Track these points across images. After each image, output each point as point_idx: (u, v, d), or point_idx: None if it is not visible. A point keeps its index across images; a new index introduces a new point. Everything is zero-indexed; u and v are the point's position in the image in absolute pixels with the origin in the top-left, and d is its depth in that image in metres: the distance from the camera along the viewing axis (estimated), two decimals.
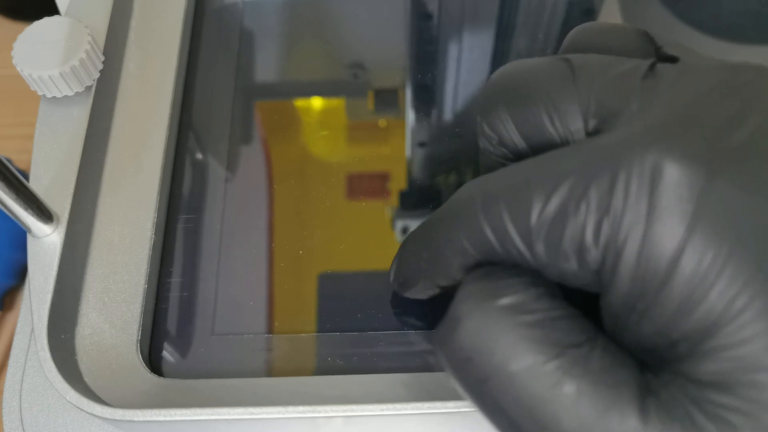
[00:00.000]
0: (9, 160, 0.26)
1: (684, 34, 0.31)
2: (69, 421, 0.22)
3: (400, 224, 0.26)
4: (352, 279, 0.25)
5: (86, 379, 0.22)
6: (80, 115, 0.26)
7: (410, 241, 0.20)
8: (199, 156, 0.28)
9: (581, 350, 0.14)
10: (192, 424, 0.20)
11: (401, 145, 0.28)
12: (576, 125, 0.16)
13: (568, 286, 0.16)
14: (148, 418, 0.20)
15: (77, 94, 0.26)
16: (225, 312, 0.24)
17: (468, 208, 0.16)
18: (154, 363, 0.23)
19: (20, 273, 0.33)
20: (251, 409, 0.20)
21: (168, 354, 0.24)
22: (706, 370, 0.13)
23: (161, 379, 0.23)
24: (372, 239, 0.25)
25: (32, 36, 0.26)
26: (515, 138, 0.18)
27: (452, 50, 0.30)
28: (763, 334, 0.13)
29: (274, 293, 0.24)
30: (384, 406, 0.20)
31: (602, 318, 0.15)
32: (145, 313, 0.24)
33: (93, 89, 0.26)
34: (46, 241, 0.23)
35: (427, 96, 0.29)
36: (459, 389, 0.16)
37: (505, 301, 0.15)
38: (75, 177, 0.24)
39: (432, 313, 0.23)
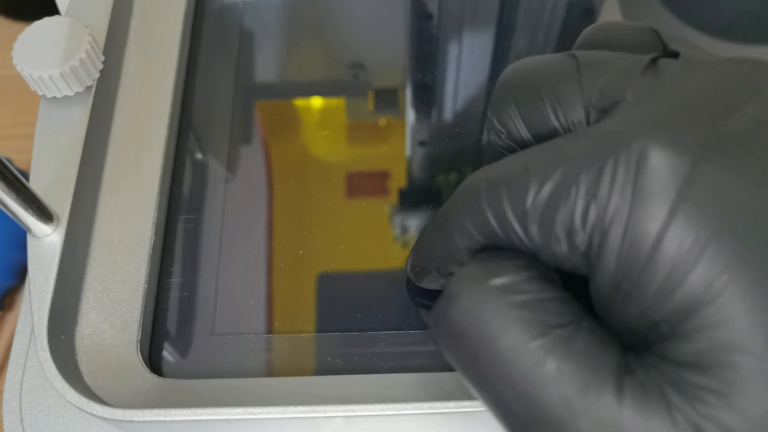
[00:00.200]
0: (9, 160, 0.26)
1: (684, 34, 0.31)
2: (69, 421, 0.22)
3: (399, 224, 0.26)
4: (352, 279, 0.25)
5: (86, 379, 0.22)
6: (80, 115, 0.26)
7: (425, 230, 0.21)
8: (199, 156, 0.28)
9: (566, 331, 0.15)
10: (192, 424, 0.20)
11: (401, 145, 0.28)
12: (578, 117, 0.17)
13: (567, 272, 0.16)
14: (148, 418, 0.20)
15: (77, 94, 0.26)
16: (225, 312, 0.24)
17: (473, 193, 0.17)
18: (154, 363, 0.23)
19: (20, 273, 0.33)
20: (251, 409, 0.20)
21: (168, 354, 0.24)
22: (684, 351, 0.14)
23: (161, 379, 0.23)
24: (372, 239, 0.25)
25: (32, 36, 0.26)
26: (523, 132, 0.18)
27: (452, 50, 0.30)
28: (740, 316, 0.13)
29: (273, 293, 0.24)
30: (384, 406, 0.20)
31: (593, 301, 0.16)
32: (145, 313, 0.24)
33: (93, 89, 0.26)
34: (46, 241, 0.23)
35: (427, 96, 0.29)
36: (451, 363, 0.17)
37: (496, 281, 0.15)
38: (75, 177, 0.24)
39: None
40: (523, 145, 0.19)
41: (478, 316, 0.15)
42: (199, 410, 0.20)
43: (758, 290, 0.13)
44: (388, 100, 0.29)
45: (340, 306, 0.24)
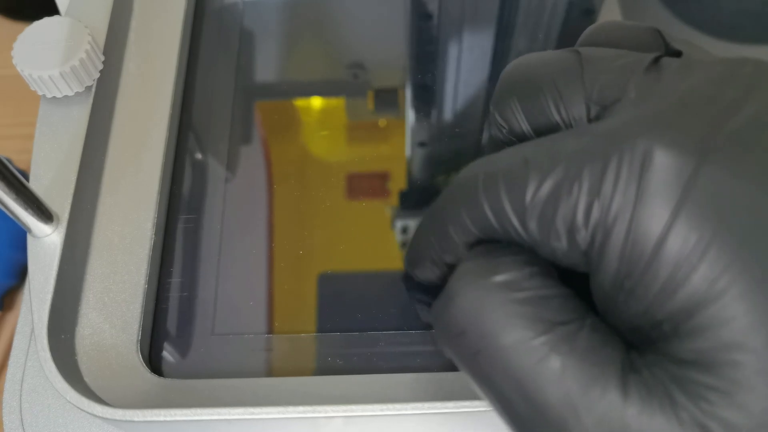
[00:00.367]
0: (9, 160, 0.26)
1: (684, 34, 0.31)
2: (69, 421, 0.22)
3: (399, 224, 0.26)
4: (352, 279, 0.25)
5: (86, 379, 0.22)
6: (80, 115, 0.26)
7: (422, 222, 0.21)
8: (199, 156, 0.28)
9: (569, 328, 0.15)
10: (192, 424, 0.20)
11: (401, 145, 0.28)
12: (579, 112, 0.17)
13: (565, 269, 0.16)
14: (148, 418, 0.20)
15: (77, 94, 0.26)
16: (225, 312, 0.24)
17: (471, 186, 0.17)
18: (154, 363, 0.23)
19: (20, 273, 0.33)
20: (251, 409, 0.20)
21: (168, 354, 0.24)
22: (687, 350, 0.14)
23: (161, 379, 0.23)
24: (372, 239, 0.25)
25: (32, 36, 0.26)
26: (524, 127, 0.18)
27: (452, 50, 0.30)
28: (743, 315, 0.13)
29: (274, 293, 0.24)
30: (384, 406, 0.20)
31: (594, 299, 0.16)
32: (145, 313, 0.24)
33: (93, 89, 0.26)
34: (46, 241, 0.23)
35: (427, 96, 0.29)
36: (453, 361, 0.17)
37: (498, 278, 0.15)
38: (75, 177, 0.24)
39: None
40: (523, 140, 0.19)
41: (480, 314, 0.15)
42: (199, 410, 0.20)
43: (760, 289, 0.13)
44: (388, 100, 0.29)
45: (340, 306, 0.24)
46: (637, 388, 0.14)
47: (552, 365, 0.14)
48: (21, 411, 0.22)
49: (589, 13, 0.31)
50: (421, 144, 0.28)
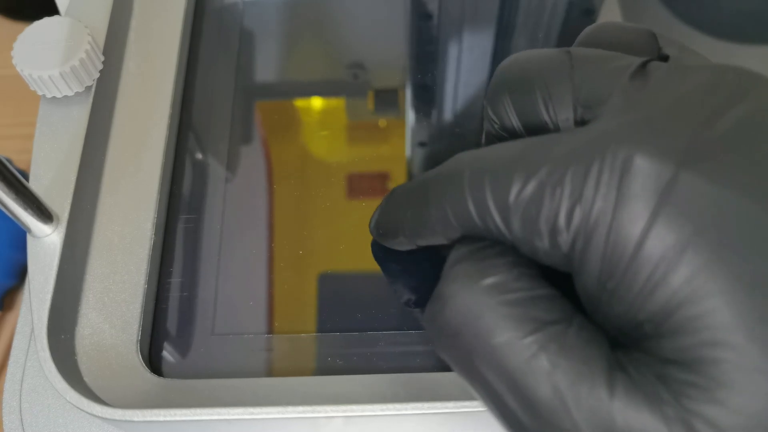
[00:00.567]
0: (9, 160, 0.26)
1: (684, 34, 0.31)
2: (69, 421, 0.22)
3: None
4: (352, 279, 0.25)
5: (86, 379, 0.22)
6: (80, 115, 0.26)
7: (397, 194, 0.21)
8: (199, 156, 0.28)
9: (557, 327, 0.15)
10: (192, 424, 0.20)
11: (401, 145, 0.28)
12: (567, 113, 0.18)
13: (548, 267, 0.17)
14: (148, 418, 0.20)
15: (77, 94, 0.26)
16: (225, 312, 0.24)
17: (456, 179, 0.17)
18: (154, 363, 0.23)
19: (20, 273, 0.33)
20: (251, 409, 0.20)
21: (168, 354, 0.24)
22: (669, 349, 0.14)
23: (161, 379, 0.23)
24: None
25: (32, 36, 0.26)
26: (515, 122, 0.19)
27: (452, 50, 0.30)
28: (720, 313, 0.13)
29: (274, 293, 0.24)
30: (384, 406, 0.20)
31: (581, 299, 0.16)
32: (145, 313, 0.24)
33: (93, 89, 0.26)
34: (46, 241, 0.23)
35: (427, 96, 0.29)
36: (448, 362, 0.17)
37: (488, 281, 0.16)
38: (75, 177, 0.24)
39: None
40: (514, 135, 0.19)
41: (472, 317, 0.16)
42: (199, 410, 0.20)
43: (737, 287, 0.13)
44: (388, 100, 0.29)
45: (340, 306, 0.24)
46: (623, 384, 0.14)
47: (541, 363, 0.15)
48: (21, 411, 0.22)
49: (589, 13, 0.31)
50: (421, 144, 0.28)
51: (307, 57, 0.31)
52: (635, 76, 0.17)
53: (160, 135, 0.27)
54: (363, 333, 0.23)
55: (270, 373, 0.23)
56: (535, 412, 0.15)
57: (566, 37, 0.31)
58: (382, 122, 0.29)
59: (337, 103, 0.30)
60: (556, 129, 0.18)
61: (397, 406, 0.20)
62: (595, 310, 0.16)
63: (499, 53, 0.30)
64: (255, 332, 0.24)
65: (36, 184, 0.25)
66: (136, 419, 0.20)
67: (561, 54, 0.18)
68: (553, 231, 0.15)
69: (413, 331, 0.23)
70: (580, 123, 0.17)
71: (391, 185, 0.27)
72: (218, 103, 0.29)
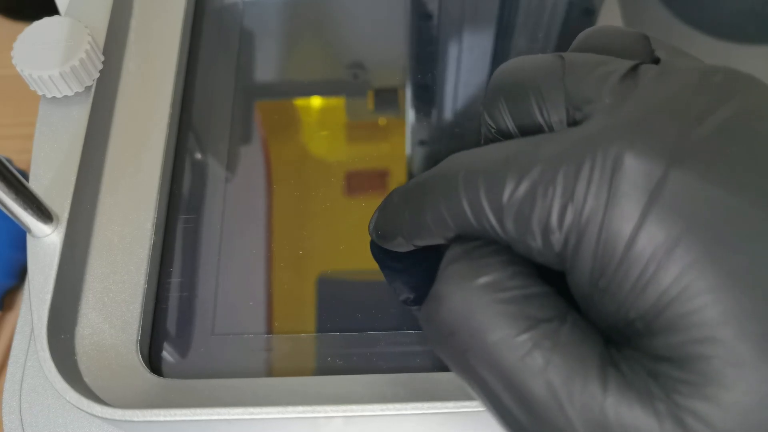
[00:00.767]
0: (9, 160, 0.26)
1: (684, 34, 0.31)
2: (69, 421, 0.22)
3: None
4: (352, 279, 0.25)
5: (86, 379, 0.22)
6: (80, 115, 0.26)
7: (395, 196, 0.21)
8: (199, 156, 0.28)
9: (551, 325, 0.15)
10: (192, 424, 0.20)
11: (401, 145, 0.28)
12: (560, 116, 0.18)
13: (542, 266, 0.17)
14: (148, 418, 0.20)
15: (77, 94, 0.26)
16: (225, 312, 0.24)
17: (451, 180, 0.17)
18: (154, 363, 0.23)
19: (20, 273, 0.33)
20: (251, 409, 0.20)
21: (168, 354, 0.24)
22: (660, 346, 0.14)
23: (161, 379, 0.23)
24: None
25: (32, 36, 0.26)
26: (510, 126, 0.19)
27: (452, 50, 0.30)
28: (709, 309, 0.14)
29: (273, 293, 0.24)
30: (384, 406, 0.20)
31: (574, 297, 0.17)
32: (145, 313, 0.24)
33: (93, 89, 0.26)
34: (46, 241, 0.23)
35: (427, 96, 0.29)
36: (445, 360, 0.17)
37: (482, 280, 0.16)
38: (75, 177, 0.24)
39: None
40: (510, 139, 0.19)
41: (467, 315, 0.16)
42: (199, 410, 0.20)
43: (726, 284, 0.14)
44: (388, 100, 0.29)
45: (340, 306, 0.24)
46: (616, 381, 0.14)
47: (535, 360, 0.15)
48: (21, 411, 0.22)
49: (589, 13, 0.31)
50: (421, 144, 0.28)
51: (307, 57, 0.31)
52: (626, 79, 0.17)
53: (160, 135, 0.27)
54: (363, 333, 0.23)
55: (270, 373, 0.23)
56: (530, 409, 0.15)
57: (566, 37, 0.31)
58: (381, 122, 0.29)
59: (337, 102, 0.30)
60: (551, 131, 0.18)
61: (397, 406, 0.20)
62: (588, 307, 0.16)
63: (499, 53, 0.30)
64: (255, 332, 0.24)
65: (36, 184, 0.25)
66: (136, 419, 0.20)
67: (554, 59, 0.19)
68: (546, 230, 0.15)
69: (413, 331, 0.23)
70: (573, 125, 0.18)
71: (391, 185, 0.27)
72: (218, 103, 0.29)
